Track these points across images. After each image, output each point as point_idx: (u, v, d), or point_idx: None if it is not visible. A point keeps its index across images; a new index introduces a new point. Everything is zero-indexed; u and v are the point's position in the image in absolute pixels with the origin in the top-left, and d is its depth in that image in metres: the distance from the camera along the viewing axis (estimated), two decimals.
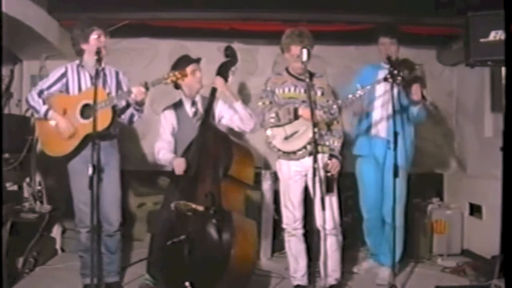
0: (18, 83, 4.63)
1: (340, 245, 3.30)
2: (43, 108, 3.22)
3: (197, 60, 3.53)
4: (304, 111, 3.19)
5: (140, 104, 3.24)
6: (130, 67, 4.72)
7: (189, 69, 3.41)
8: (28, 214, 3.88)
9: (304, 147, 3.17)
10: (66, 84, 3.30)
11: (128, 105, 3.28)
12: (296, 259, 3.35)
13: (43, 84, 3.29)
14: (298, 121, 3.22)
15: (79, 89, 3.29)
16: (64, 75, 3.31)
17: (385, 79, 3.19)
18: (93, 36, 3.21)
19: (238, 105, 3.40)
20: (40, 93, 3.25)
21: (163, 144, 3.48)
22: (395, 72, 3.16)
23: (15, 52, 4.41)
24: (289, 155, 3.25)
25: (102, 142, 3.13)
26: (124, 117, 3.35)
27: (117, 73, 3.40)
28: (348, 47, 4.85)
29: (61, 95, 3.29)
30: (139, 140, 4.84)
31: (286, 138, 3.23)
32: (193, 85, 3.47)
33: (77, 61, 3.34)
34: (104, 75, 3.31)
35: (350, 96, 3.16)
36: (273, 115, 3.26)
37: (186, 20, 4.42)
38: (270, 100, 3.33)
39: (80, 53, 3.30)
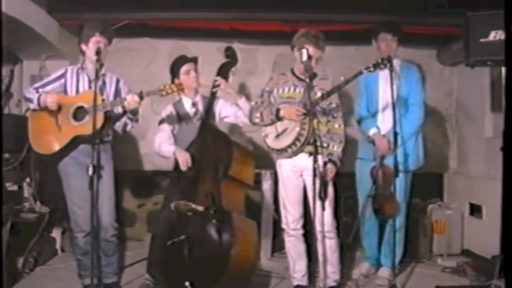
0: (18, 83, 4.62)
1: (338, 246, 3.29)
2: (35, 96, 3.22)
3: (193, 59, 3.53)
4: (286, 112, 3.17)
5: (133, 113, 3.20)
6: (130, 67, 4.75)
7: (183, 69, 3.45)
8: (28, 214, 3.87)
9: (293, 143, 3.14)
10: (64, 85, 3.31)
11: (124, 113, 3.25)
12: (296, 259, 3.34)
13: (40, 82, 3.36)
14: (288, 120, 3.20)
15: (77, 91, 3.29)
16: (62, 76, 3.32)
17: (367, 68, 3.09)
18: (93, 40, 3.20)
19: (242, 101, 3.44)
20: (36, 89, 3.28)
21: (164, 137, 3.46)
22: (379, 60, 3.06)
23: (15, 52, 4.40)
24: (282, 153, 3.23)
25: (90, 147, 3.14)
26: (119, 125, 3.32)
27: (117, 81, 3.38)
28: (348, 47, 4.85)
29: (58, 94, 3.28)
30: (139, 140, 4.84)
31: (278, 136, 3.22)
32: (188, 85, 3.47)
33: (78, 65, 3.35)
34: (104, 82, 3.31)
35: (335, 88, 3.15)
36: (258, 115, 3.27)
37: (186, 20, 4.41)
38: (262, 100, 3.33)
39: (83, 53, 3.32)
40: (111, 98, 3.29)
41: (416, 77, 3.68)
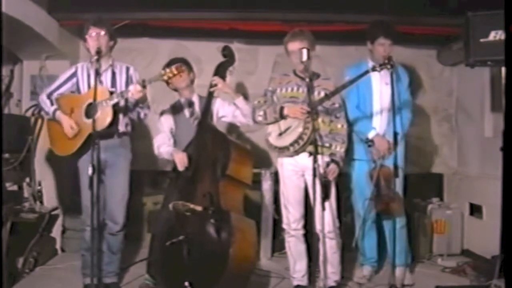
0: (18, 83, 4.63)
1: (339, 247, 3.29)
2: (51, 109, 3.32)
3: (181, 60, 3.53)
4: (290, 110, 3.18)
5: (142, 101, 3.26)
6: None
7: None
8: (28, 214, 3.88)
9: (296, 141, 3.14)
10: (77, 84, 3.36)
11: (137, 102, 3.29)
12: (296, 259, 3.34)
13: (52, 86, 3.39)
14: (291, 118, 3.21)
15: (89, 87, 3.31)
16: (73, 75, 3.37)
17: (373, 69, 3.10)
18: (90, 34, 3.24)
19: (240, 100, 3.42)
20: (49, 95, 3.34)
21: (164, 139, 3.49)
22: (386, 61, 3.07)
23: (15, 52, 4.40)
24: (283, 151, 3.23)
25: (108, 141, 3.20)
26: (133, 115, 3.37)
27: (127, 69, 3.41)
28: (348, 47, 4.84)
29: (70, 95, 3.36)
30: (139, 140, 4.83)
31: (280, 134, 3.23)
32: (177, 85, 3.48)
33: (87, 61, 3.37)
34: (113, 73, 3.34)
35: (339, 87, 3.17)
36: (261, 113, 3.28)
37: (186, 20, 4.42)
38: (265, 99, 3.34)
39: (89, 51, 3.34)
40: (123, 87, 3.32)
41: (407, 78, 3.73)
